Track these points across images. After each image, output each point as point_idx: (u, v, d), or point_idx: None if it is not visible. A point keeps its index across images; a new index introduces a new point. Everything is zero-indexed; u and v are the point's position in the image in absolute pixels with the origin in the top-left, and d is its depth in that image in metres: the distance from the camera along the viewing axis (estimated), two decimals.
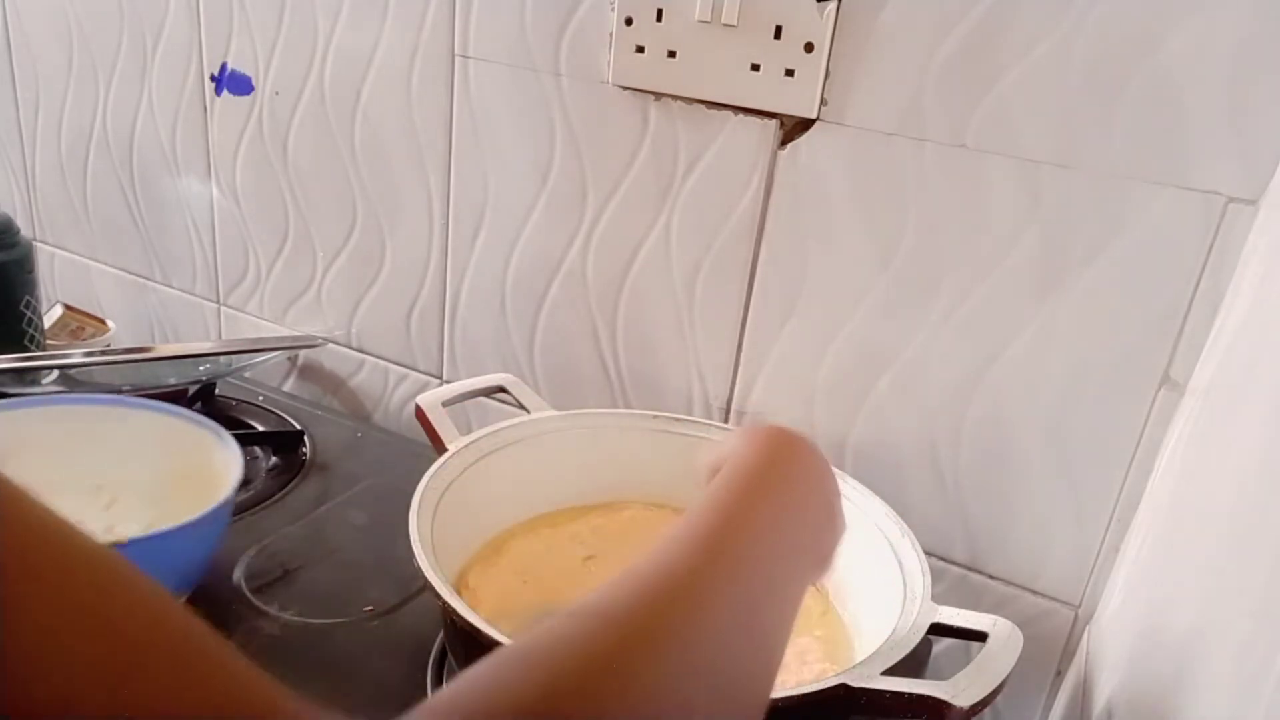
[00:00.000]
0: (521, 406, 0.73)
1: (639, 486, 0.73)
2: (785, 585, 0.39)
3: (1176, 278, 0.61)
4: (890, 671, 0.48)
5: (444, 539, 0.58)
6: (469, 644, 0.50)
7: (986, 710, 0.46)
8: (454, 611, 0.49)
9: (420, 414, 0.68)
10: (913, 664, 0.50)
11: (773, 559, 0.38)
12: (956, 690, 0.46)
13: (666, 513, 0.72)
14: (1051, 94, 0.61)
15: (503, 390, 0.75)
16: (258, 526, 0.75)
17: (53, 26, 1.07)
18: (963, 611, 0.53)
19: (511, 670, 0.28)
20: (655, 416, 0.73)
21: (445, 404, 0.69)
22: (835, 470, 0.63)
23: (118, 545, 0.57)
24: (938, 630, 0.53)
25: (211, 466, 0.69)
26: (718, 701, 0.32)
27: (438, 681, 0.61)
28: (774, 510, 0.41)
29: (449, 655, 0.61)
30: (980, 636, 0.51)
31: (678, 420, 0.73)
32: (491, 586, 0.63)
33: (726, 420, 0.81)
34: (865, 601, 0.62)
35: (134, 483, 0.71)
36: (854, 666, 0.50)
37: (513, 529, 0.69)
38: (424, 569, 0.52)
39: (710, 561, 0.35)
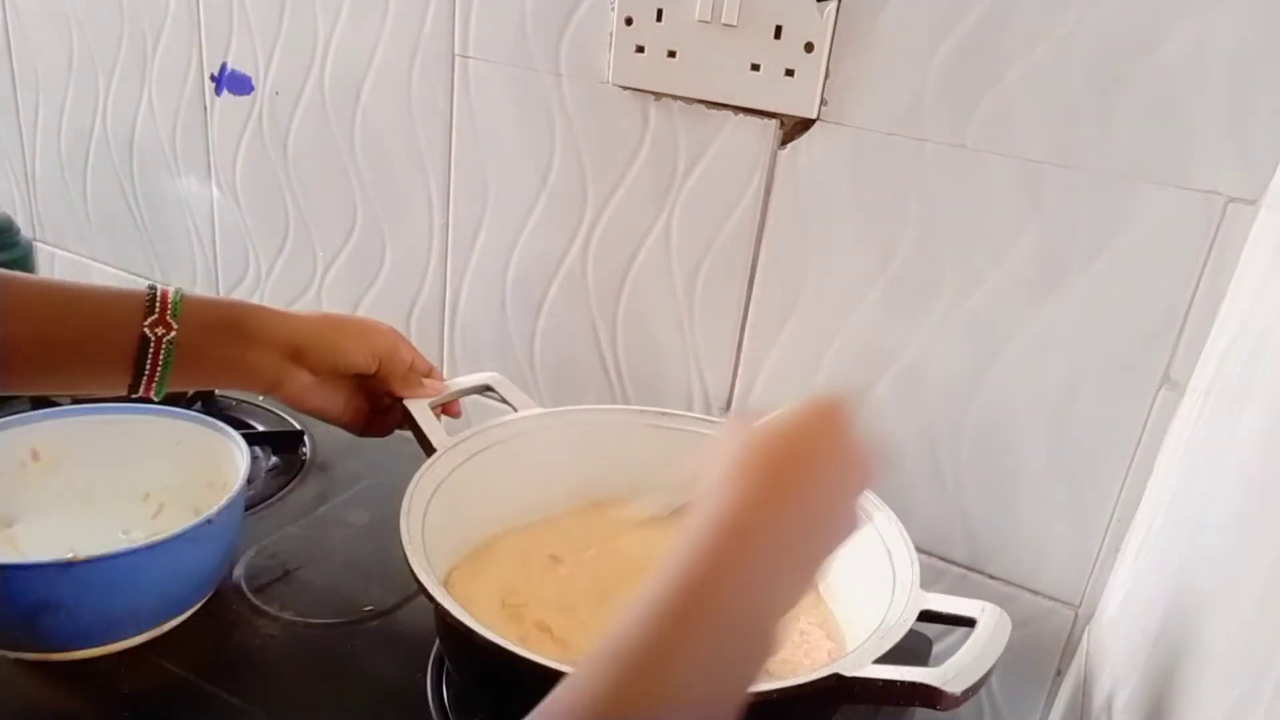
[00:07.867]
0: (508, 404, 0.71)
1: (633, 484, 0.70)
2: (766, 630, 0.37)
3: (1176, 278, 0.61)
4: (883, 660, 0.48)
5: (433, 542, 0.57)
6: (463, 645, 0.49)
7: (986, 708, 0.46)
8: (447, 612, 0.49)
9: (407, 416, 0.67)
10: (913, 660, 0.50)
11: (755, 612, 0.37)
12: (948, 677, 0.46)
13: None
14: (1051, 94, 0.61)
15: (489, 389, 0.73)
16: (258, 526, 0.75)
17: (53, 27, 1.07)
18: (951, 598, 0.54)
19: None
20: (644, 412, 0.71)
21: (433, 405, 0.68)
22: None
23: (132, 550, 0.57)
24: (927, 617, 0.53)
25: (240, 474, 0.69)
26: None
27: (437, 682, 0.61)
28: (763, 559, 0.38)
29: (446, 657, 0.61)
30: (969, 622, 0.52)
31: (669, 415, 0.71)
32: (468, 593, 0.61)
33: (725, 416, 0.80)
34: (855, 595, 0.61)
35: (179, 490, 0.71)
36: (846, 655, 0.50)
37: (499, 534, 0.67)
38: (415, 571, 0.52)
39: (685, 634, 0.34)
